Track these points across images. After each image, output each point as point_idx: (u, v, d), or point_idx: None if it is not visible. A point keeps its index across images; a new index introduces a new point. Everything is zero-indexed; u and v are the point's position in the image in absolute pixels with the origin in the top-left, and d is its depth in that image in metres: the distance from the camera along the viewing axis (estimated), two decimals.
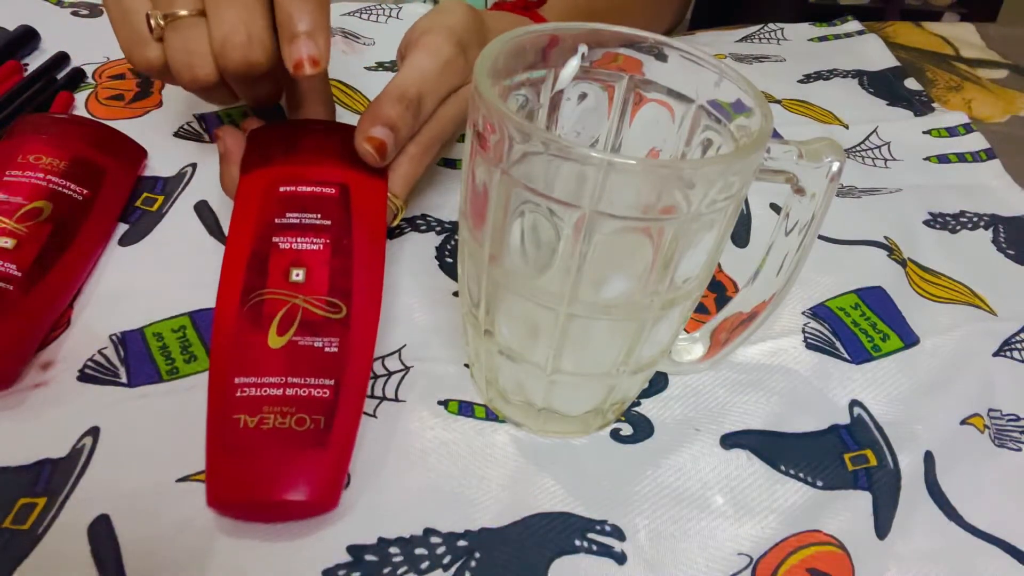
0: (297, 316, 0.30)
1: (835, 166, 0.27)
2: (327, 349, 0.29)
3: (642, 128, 0.31)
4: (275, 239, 0.32)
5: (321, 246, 0.32)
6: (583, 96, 0.30)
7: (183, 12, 0.32)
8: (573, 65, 0.30)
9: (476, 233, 0.28)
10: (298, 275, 0.31)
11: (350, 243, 0.32)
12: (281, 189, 0.33)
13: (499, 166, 0.25)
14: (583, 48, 0.29)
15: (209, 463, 0.27)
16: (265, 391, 0.28)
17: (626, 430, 0.33)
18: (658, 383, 0.34)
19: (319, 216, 0.32)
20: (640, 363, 0.30)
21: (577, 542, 0.29)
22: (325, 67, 0.32)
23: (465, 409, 0.33)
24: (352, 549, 0.28)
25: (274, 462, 0.27)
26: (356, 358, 0.30)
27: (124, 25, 0.33)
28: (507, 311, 0.29)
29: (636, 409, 0.33)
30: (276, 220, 0.32)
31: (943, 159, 0.48)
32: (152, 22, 0.32)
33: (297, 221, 0.32)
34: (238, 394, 0.28)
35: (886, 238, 0.42)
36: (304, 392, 0.28)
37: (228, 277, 0.31)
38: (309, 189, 0.33)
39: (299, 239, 0.32)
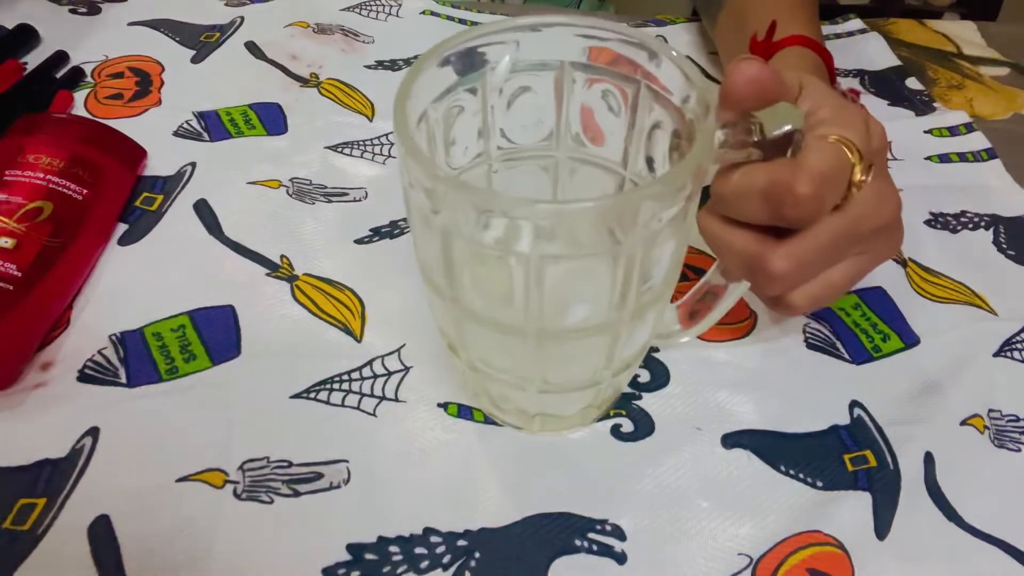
0: None
1: (786, 128, 0.26)
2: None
3: (592, 112, 0.30)
4: None
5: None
6: (524, 89, 0.30)
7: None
8: (506, 62, 0.29)
9: (432, 278, 0.27)
10: None
11: None
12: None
13: (438, 216, 0.24)
14: (516, 41, 0.28)
15: None
16: None
17: (627, 426, 0.33)
18: (659, 379, 0.34)
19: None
20: (624, 363, 0.30)
21: (577, 542, 0.29)
22: None
23: (464, 412, 0.33)
24: (352, 548, 0.28)
25: None
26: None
27: None
28: (482, 342, 0.29)
29: (637, 403, 0.33)
30: None
31: (944, 159, 0.48)
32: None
33: None
34: None
35: None
36: None
37: None
38: None
39: None
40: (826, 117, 0.29)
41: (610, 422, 0.33)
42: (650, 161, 0.29)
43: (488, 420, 0.33)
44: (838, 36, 0.59)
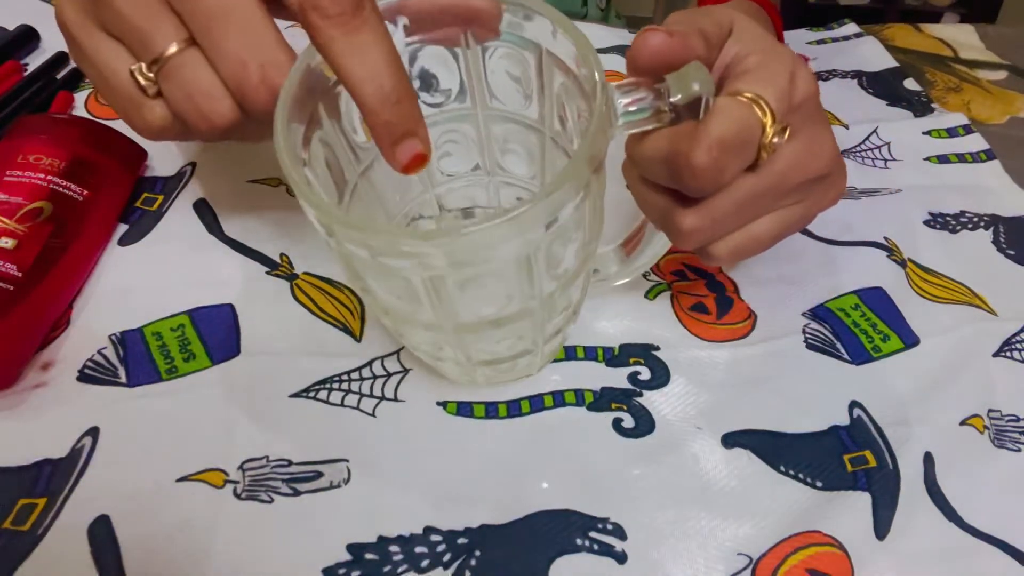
0: None
1: (692, 92, 0.25)
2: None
3: (503, 73, 0.29)
4: None
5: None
6: (424, 66, 0.29)
7: (171, 50, 0.26)
8: (396, 40, 0.27)
9: (349, 276, 0.27)
10: None
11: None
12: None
13: (332, 238, 0.23)
14: (401, 20, 0.27)
15: None
16: None
17: (628, 421, 0.33)
18: (660, 378, 0.34)
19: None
20: (554, 330, 0.30)
21: (579, 541, 0.29)
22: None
23: (464, 409, 0.33)
24: (352, 548, 0.28)
25: None
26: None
27: (110, 91, 0.28)
28: (413, 332, 0.29)
29: (638, 400, 0.34)
30: None
31: (943, 159, 0.48)
32: (139, 78, 0.27)
33: None
34: None
35: (886, 238, 0.42)
36: None
37: None
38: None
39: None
40: (750, 67, 0.27)
41: (611, 415, 0.33)
42: (563, 121, 0.29)
43: (489, 414, 0.33)
44: (834, 40, 0.60)
